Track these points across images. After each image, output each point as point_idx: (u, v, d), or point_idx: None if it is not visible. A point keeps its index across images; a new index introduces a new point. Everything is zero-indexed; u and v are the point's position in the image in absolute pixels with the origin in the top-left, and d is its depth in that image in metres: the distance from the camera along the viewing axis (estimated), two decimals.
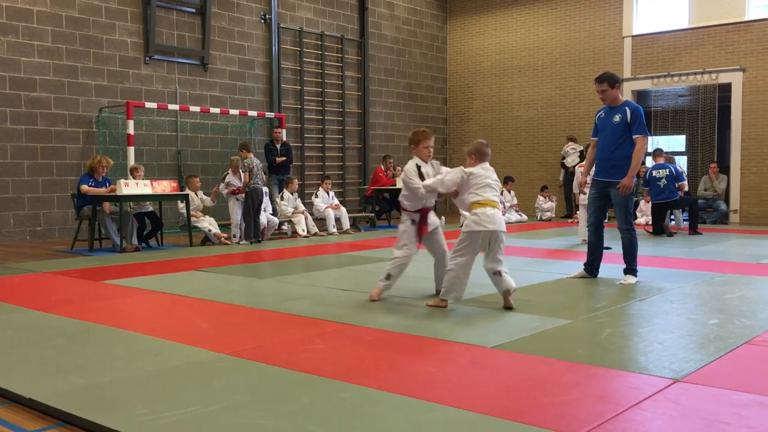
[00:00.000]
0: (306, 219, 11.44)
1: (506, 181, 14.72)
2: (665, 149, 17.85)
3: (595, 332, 4.45)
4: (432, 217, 5.70)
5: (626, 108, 6.32)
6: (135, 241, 9.55)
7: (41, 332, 4.59)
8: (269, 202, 11.26)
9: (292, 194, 11.52)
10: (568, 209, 15.16)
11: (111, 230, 9.30)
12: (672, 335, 4.37)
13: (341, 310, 5.21)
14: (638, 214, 13.74)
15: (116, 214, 9.36)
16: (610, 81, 6.37)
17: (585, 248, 8.98)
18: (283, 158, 12.33)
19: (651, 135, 16.06)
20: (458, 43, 17.96)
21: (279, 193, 11.88)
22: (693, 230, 11.35)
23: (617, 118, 6.31)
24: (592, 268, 6.66)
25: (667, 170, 11.19)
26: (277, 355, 3.92)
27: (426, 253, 5.78)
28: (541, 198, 14.89)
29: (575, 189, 10.41)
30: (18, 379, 3.52)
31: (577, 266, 6.89)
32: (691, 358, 3.80)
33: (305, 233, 11.24)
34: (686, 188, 12.14)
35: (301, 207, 11.56)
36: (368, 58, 15.93)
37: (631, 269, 6.45)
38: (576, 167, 10.39)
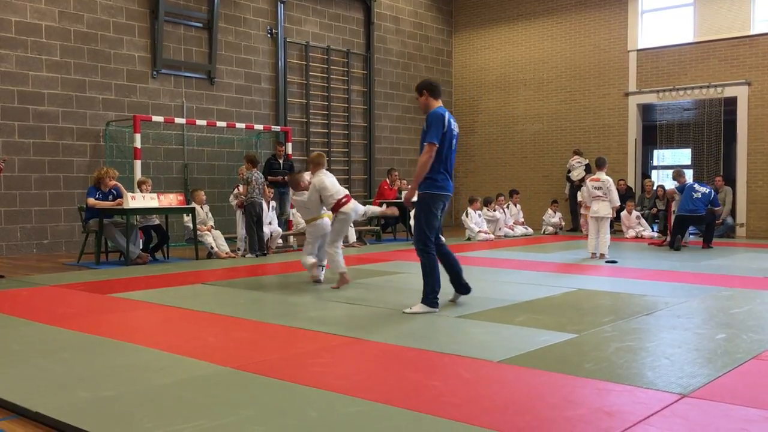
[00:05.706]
0: None
1: (511, 194, 14.76)
2: (671, 163, 17.93)
3: (601, 347, 4.44)
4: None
5: (427, 116, 5.66)
6: (140, 246, 9.66)
7: (47, 345, 4.60)
8: (275, 216, 11.27)
9: None
10: (574, 222, 15.14)
11: (121, 241, 9.34)
12: (679, 350, 4.35)
13: (348, 324, 5.20)
14: (623, 227, 13.70)
15: (121, 226, 9.39)
16: (418, 89, 5.79)
17: (593, 262, 9.05)
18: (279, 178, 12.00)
19: (657, 149, 16.03)
20: (464, 57, 18.02)
21: (278, 206, 11.83)
22: (707, 244, 11.43)
23: (424, 127, 5.65)
24: (458, 285, 5.95)
25: (707, 190, 11.51)
26: (284, 369, 3.92)
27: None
28: (550, 211, 14.87)
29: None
30: (25, 392, 3.53)
31: (584, 280, 6.89)
32: (698, 373, 3.78)
33: None
34: (720, 213, 12.46)
35: None
36: (374, 71, 15.99)
37: (423, 295, 5.58)
38: (587, 180, 10.48)
